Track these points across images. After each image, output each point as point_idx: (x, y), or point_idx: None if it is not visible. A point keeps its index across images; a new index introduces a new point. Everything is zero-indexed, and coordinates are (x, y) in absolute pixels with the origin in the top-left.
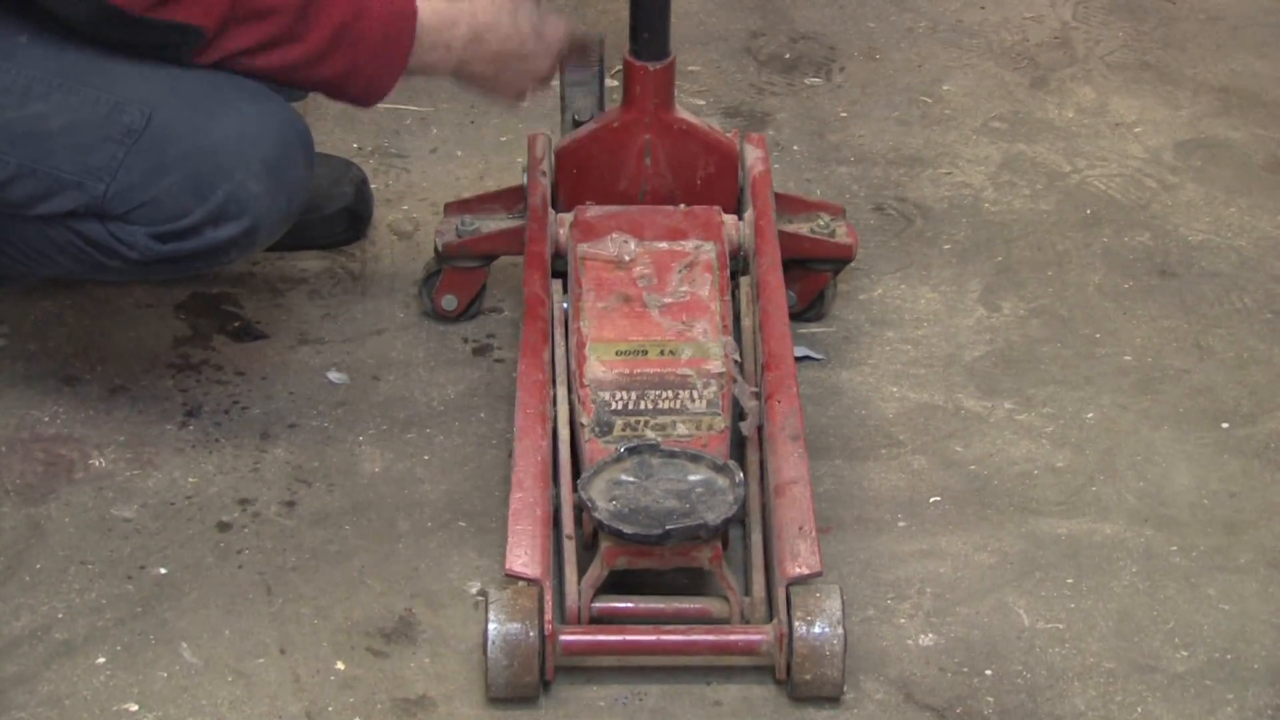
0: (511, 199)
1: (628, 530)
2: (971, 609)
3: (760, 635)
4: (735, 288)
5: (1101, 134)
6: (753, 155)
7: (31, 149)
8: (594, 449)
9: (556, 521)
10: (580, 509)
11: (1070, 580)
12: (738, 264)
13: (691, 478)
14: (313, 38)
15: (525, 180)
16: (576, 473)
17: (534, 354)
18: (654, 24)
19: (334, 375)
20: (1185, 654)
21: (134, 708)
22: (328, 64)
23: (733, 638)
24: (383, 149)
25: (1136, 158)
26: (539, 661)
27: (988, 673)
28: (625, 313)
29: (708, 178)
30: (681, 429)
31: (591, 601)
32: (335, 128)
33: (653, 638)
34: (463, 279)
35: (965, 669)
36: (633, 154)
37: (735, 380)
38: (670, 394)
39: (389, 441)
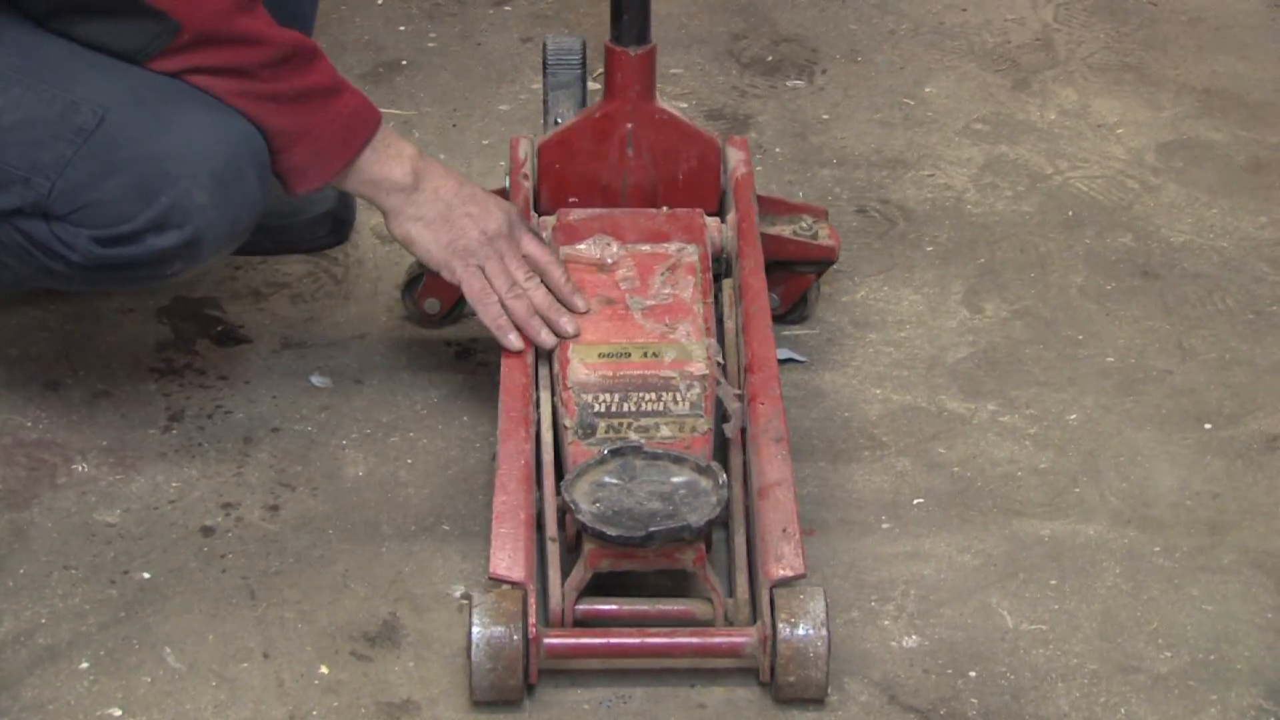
0: None
1: (611, 532)
2: (955, 611)
3: (744, 637)
4: (718, 290)
5: (1083, 135)
6: (735, 157)
7: None
8: (577, 451)
9: (540, 524)
10: (564, 511)
11: (1053, 581)
12: (720, 266)
13: (675, 479)
14: (281, 85)
15: (507, 183)
16: (560, 475)
17: (517, 357)
18: (634, 6)
19: (317, 379)
20: (1169, 655)
21: (117, 713)
22: (285, 114)
23: (717, 640)
24: None
25: (1118, 159)
26: (523, 664)
27: (971, 674)
28: (608, 315)
29: (690, 172)
30: (665, 431)
31: (575, 604)
32: None
33: (636, 640)
34: (445, 283)
35: (949, 670)
36: (615, 144)
37: (718, 382)
38: (653, 396)
39: (372, 445)
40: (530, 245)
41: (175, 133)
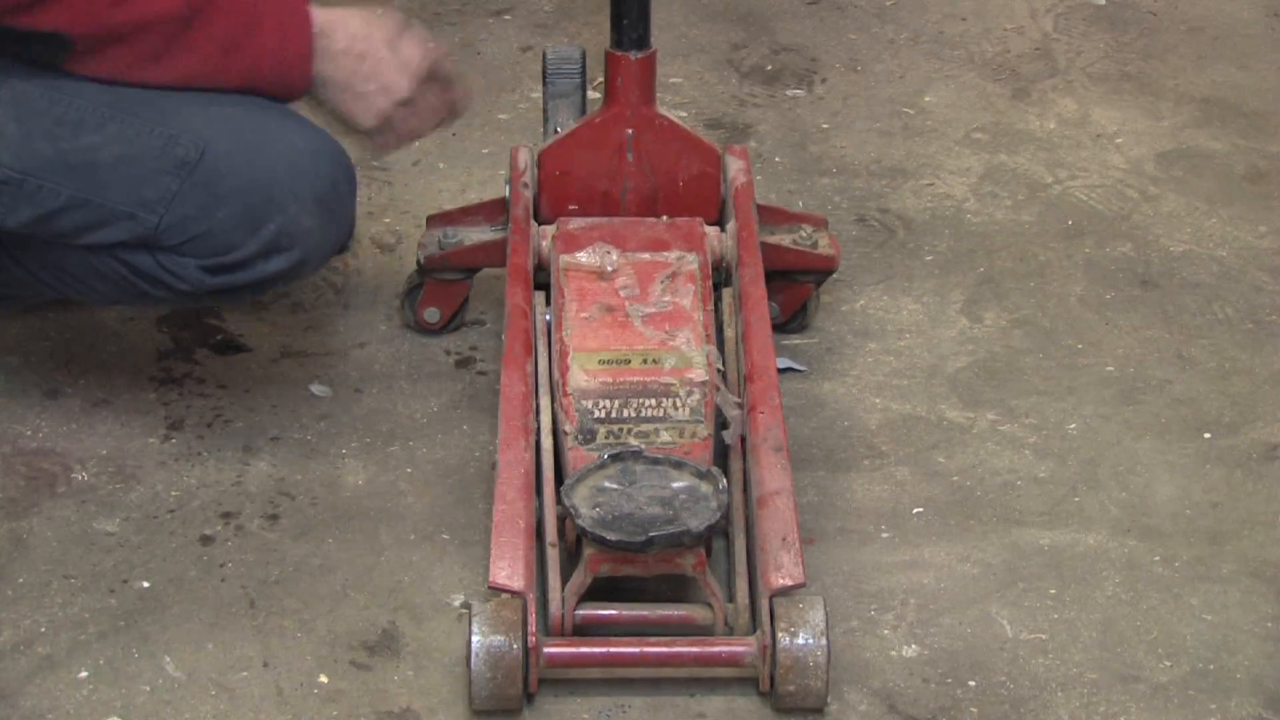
0: (494, 211)
1: (611, 537)
2: (955, 620)
3: (744, 647)
4: (718, 299)
5: (1083, 145)
6: (735, 167)
7: (84, 180)
8: (577, 456)
9: (540, 531)
10: (564, 516)
11: (1053, 591)
12: (720, 275)
13: (675, 484)
14: (201, 51)
15: (507, 192)
16: (560, 481)
17: (517, 366)
18: (635, 11)
19: (316, 388)
20: (1168, 664)
21: None
22: (227, 74)
23: (716, 649)
24: (365, 161)
25: (1118, 168)
26: (522, 674)
27: (971, 684)
28: (608, 322)
29: (690, 180)
30: (664, 436)
31: (575, 609)
32: None
33: (636, 650)
34: (445, 291)
35: (949, 680)
36: (614, 149)
37: (718, 389)
38: (653, 402)
39: (371, 454)
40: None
41: (277, 159)
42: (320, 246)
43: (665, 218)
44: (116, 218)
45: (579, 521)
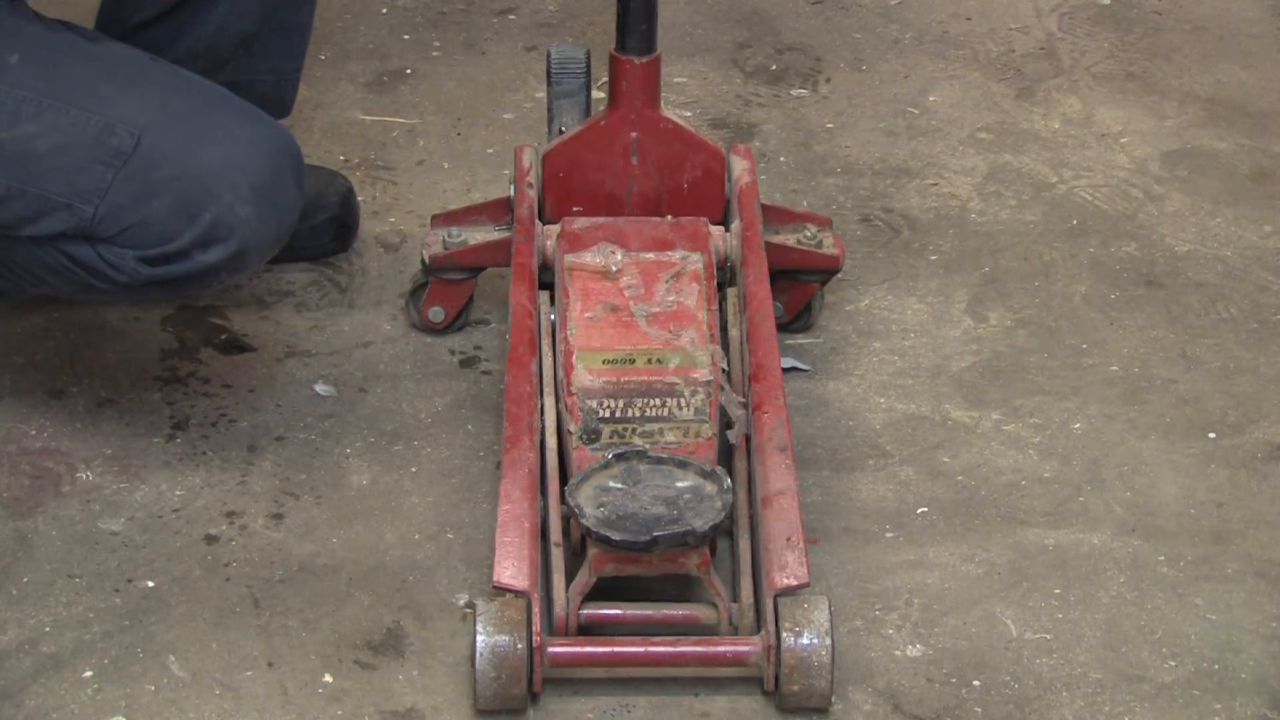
0: (498, 211)
1: (615, 537)
2: (959, 619)
3: (748, 646)
4: (722, 299)
5: (1088, 144)
6: (739, 166)
7: (21, 170)
8: (581, 456)
9: (544, 531)
10: (568, 516)
11: (1058, 590)
12: (725, 275)
13: (679, 484)
14: None
15: (512, 192)
16: (564, 481)
17: (521, 365)
18: (641, 14)
19: (321, 387)
20: (1173, 664)
21: None
22: None
23: (721, 649)
24: (369, 161)
25: (1123, 168)
26: (527, 673)
27: (975, 683)
28: (612, 322)
29: (695, 182)
30: (669, 436)
31: (579, 608)
32: (322, 139)
33: (641, 649)
34: (450, 291)
35: (953, 679)
36: (619, 153)
37: (723, 388)
38: (658, 401)
39: (376, 454)
40: None
41: (213, 147)
42: (260, 237)
43: (670, 217)
44: (54, 208)
45: (583, 521)
